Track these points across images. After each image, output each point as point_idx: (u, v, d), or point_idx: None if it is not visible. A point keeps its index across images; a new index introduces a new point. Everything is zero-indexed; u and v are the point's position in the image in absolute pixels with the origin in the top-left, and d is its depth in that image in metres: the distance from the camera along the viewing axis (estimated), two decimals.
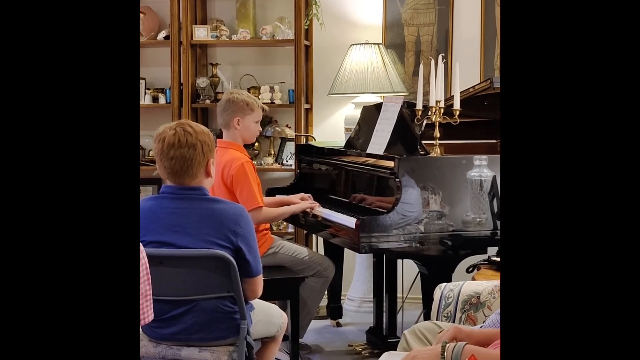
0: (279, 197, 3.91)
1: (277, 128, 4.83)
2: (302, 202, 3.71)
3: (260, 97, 4.70)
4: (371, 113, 3.77)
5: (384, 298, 3.94)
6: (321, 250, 4.37)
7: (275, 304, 3.14)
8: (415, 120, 3.39)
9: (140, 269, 1.97)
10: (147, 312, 2.02)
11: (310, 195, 3.77)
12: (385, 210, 3.18)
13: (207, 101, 4.80)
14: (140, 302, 1.99)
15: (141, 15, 4.92)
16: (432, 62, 3.41)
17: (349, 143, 3.96)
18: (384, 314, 3.93)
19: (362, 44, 4.51)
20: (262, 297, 2.75)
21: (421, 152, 3.31)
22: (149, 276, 2.02)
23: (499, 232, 3.23)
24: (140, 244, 2.00)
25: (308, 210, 3.64)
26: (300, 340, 3.70)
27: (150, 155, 4.92)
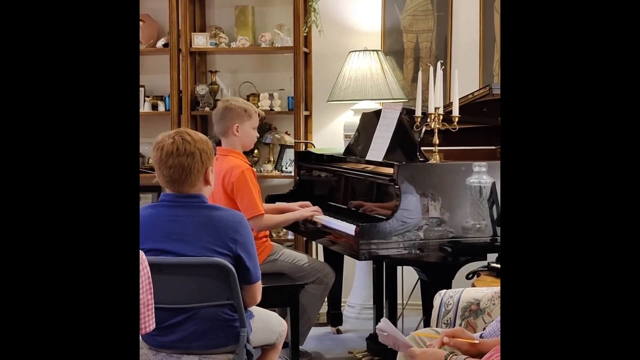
0: (279, 205, 3.91)
1: (276, 135, 4.84)
2: (302, 209, 3.71)
3: (259, 104, 4.70)
4: (370, 120, 3.77)
5: (384, 305, 3.93)
6: (321, 257, 4.36)
7: (275, 311, 3.13)
8: (414, 126, 3.39)
9: (143, 278, 1.97)
10: (149, 322, 2.01)
11: (309, 202, 3.77)
12: (384, 217, 3.17)
13: (207, 108, 4.80)
14: (142, 311, 1.99)
15: (140, 23, 4.93)
16: (431, 68, 3.42)
17: (348, 150, 3.96)
18: None
19: (361, 50, 4.52)
20: (261, 305, 2.75)
21: (420, 159, 3.31)
22: (151, 285, 2.02)
23: (498, 238, 3.23)
24: (143, 253, 2.00)
25: (309, 217, 3.64)
26: (300, 347, 3.69)
27: (149, 162, 4.92)
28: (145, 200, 4.87)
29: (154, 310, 2.03)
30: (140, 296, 1.97)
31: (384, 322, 2.18)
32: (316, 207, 3.68)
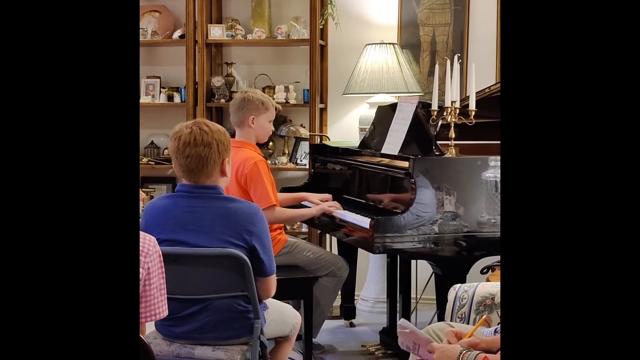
0: (295, 195, 3.90)
1: (291, 127, 4.84)
2: (320, 203, 3.69)
3: (275, 96, 4.70)
4: (386, 113, 3.76)
5: (398, 298, 3.93)
6: (335, 250, 4.36)
7: (289, 303, 3.14)
8: (431, 120, 3.38)
9: (155, 261, 1.96)
10: (162, 307, 2.00)
11: (330, 195, 3.75)
12: (399, 211, 3.17)
13: (222, 100, 4.80)
14: (155, 295, 1.97)
15: (156, 14, 4.94)
16: (448, 62, 3.40)
17: (364, 143, 3.96)
18: (398, 314, 3.92)
19: (378, 43, 4.51)
20: (275, 297, 2.75)
21: (436, 153, 3.29)
22: (163, 270, 2.01)
23: None
24: (153, 237, 2.00)
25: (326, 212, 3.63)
26: (313, 340, 3.69)
27: (165, 153, 4.94)
28: (160, 192, 4.89)
29: (166, 296, 2.03)
30: (153, 279, 1.96)
31: (403, 321, 2.18)
32: (334, 202, 3.65)
